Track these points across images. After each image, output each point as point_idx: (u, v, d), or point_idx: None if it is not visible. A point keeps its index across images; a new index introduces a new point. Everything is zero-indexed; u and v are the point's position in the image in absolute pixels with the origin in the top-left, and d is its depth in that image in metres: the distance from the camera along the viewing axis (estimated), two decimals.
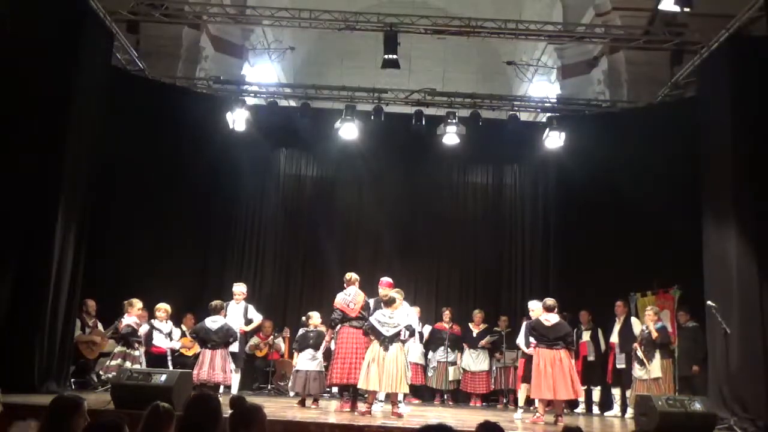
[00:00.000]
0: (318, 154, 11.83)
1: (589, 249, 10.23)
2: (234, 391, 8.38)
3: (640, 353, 8.27)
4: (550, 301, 7.75)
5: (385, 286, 7.85)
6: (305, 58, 15.20)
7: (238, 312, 8.43)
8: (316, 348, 7.92)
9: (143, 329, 8.51)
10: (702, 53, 8.89)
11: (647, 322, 8.38)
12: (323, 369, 7.88)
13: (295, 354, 8.11)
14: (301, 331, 8.31)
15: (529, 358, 7.99)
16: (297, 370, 7.94)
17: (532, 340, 7.91)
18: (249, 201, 11.53)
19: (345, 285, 7.71)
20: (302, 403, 7.76)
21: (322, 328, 8.24)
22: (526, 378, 7.96)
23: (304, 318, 8.57)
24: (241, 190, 11.38)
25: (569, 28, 10.73)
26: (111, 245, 9.21)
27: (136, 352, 8.19)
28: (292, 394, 8.10)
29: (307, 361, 7.84)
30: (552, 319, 7.51)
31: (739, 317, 7.35)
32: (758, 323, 7.23)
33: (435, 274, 11.60)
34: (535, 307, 8.11)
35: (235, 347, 8.24)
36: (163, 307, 8.80)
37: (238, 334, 8.36)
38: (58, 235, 7.66)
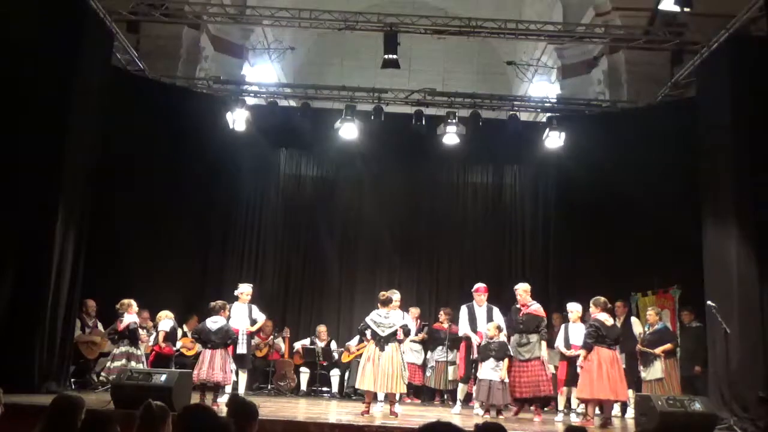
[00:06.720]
0: (318, 154, 11.81)
1: (589, 249, 10.25)
2: (241, 391, 8.35)
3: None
4: (603, 299, 7.52)
5: (482, 293, 8.20)
6: (305, 58, 15.18)
7: (243, 312, 8.34)
8: (498, 358, 7.76)
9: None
10: (702, 53, 8.89)
11: (649, 322, 8.43)
12: (506, 379, 7.73)
13: (480, 365, 7.97)
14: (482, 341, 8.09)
15: (570, 360, 8.01)
16: (481, 380, 7.81)
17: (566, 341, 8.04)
18: (249, 201, 11.52)
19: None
20: (488, 412, 7.70)
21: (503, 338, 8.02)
22: (570, 381, 8.01)
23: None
24: (241, 190, 11.37)
25: (569, 28, 10.73)
26: (111, 245, 9.20)
27: (139, 351, 8.20)
28: (477, 404, 8.00)
29: (490, 371, 7.71)
30: (610, 319, 7.40)
31: (739, 317, 7.34)
32: (758, 323, 7.24)
33: (435, 273, 11.58)
34: (574, 309, 8.16)
35: (243, 349, 8.20)
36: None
37: (245, 335, 8.28)
38: (58, 235, 7.66)
